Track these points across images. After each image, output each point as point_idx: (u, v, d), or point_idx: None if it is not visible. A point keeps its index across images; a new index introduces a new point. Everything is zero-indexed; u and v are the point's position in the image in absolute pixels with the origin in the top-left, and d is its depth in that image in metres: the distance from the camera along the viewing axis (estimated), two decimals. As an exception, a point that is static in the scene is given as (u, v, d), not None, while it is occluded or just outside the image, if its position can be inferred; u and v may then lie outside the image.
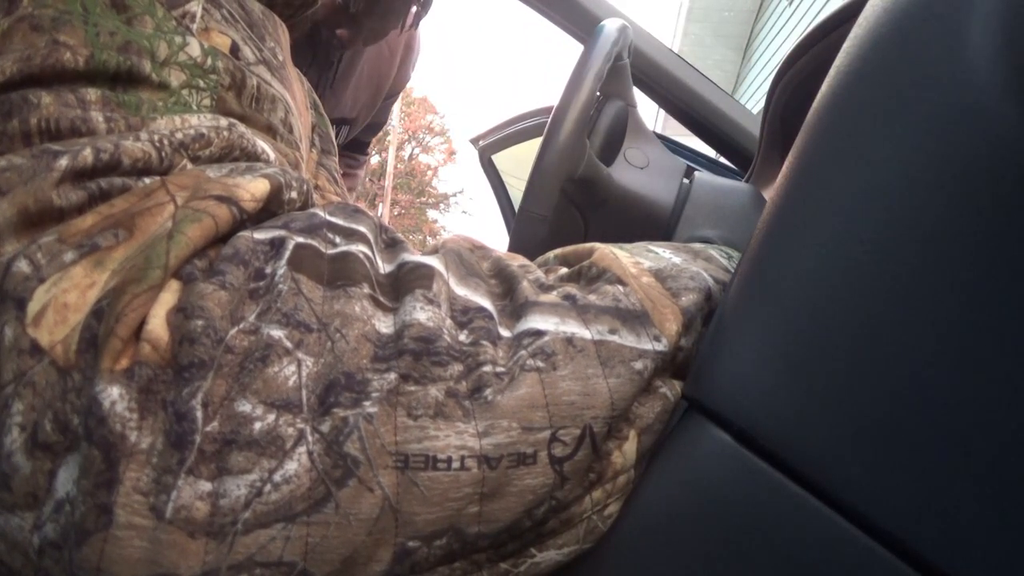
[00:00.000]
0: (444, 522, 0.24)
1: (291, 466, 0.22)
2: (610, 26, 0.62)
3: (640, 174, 0.68)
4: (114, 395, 0.22)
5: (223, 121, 0.30)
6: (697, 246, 0.38)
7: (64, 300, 0.23)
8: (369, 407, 0.24)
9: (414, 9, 0.69)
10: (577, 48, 0.69)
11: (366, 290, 0.27)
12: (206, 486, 0.22)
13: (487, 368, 0.26)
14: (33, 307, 0.23)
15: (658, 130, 1.50)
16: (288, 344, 0.24)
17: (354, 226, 0.30)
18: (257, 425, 0.22)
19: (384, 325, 0.26)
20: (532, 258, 0.37)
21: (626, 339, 0.28)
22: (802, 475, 0.25)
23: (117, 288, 0.23)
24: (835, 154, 0.27)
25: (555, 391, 0.26)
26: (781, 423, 0.25)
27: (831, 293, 0.25)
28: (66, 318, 0.23)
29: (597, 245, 0.34)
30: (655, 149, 0.71)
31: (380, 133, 1.24)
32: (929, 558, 0.23)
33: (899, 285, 0.24)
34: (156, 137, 0.27)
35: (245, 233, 0.26)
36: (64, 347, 0.23)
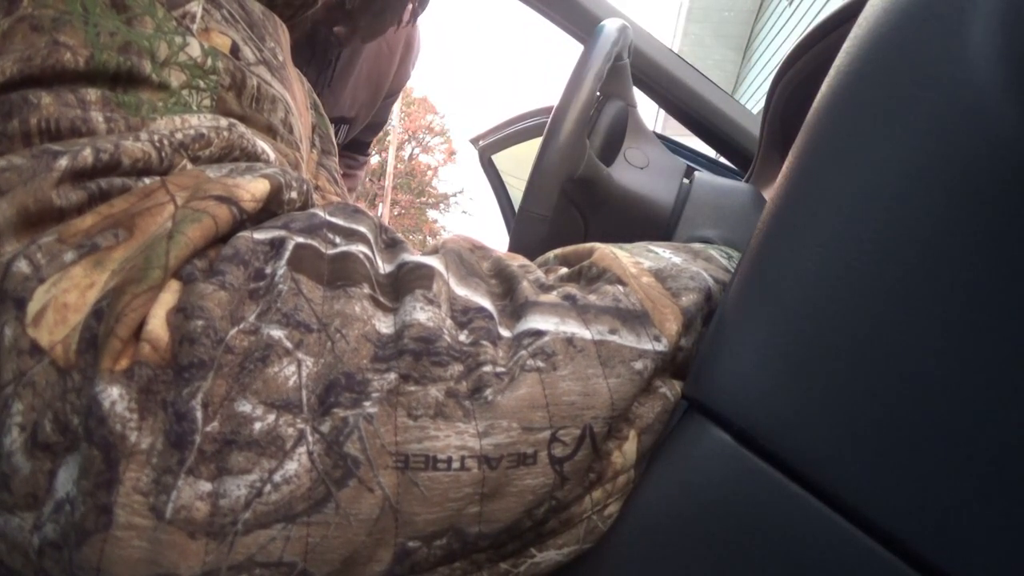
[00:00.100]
0: (444, 522, 0.24)
1: (291, 466, 0.22)
2: (610, 26, 0.62)
3: (640, 174, 0.68)
4: (114, 395, 0.22)
5: (223, 121, 0.30)
6: (697, 246, 0.38)
7: (64, 300, 0.23)
8: (369, 407, 0.23)
9: (411, 6, 0.68)
10: (577, 48, 0.69)
11: (366, 290, 0.27)
12: (206, 486, 0.22)
13: (487, 368, 0.26)
14: (33, 307, 0.23)
15: (658, 130, 1.50)
16: (288, 344, 0.24)
17: (354, 226, 0.30)
18: (257, 425, 0.22)
19: (384, 325, 0.26)
20: (532, 258, 0.37)
21: (626, 339, 0.28)
22: (802, 475, 0.25)
23: (117, 288, 0.23)
24: (835, 154, 0.27)
25: (555, 391, 0.26)
26: (781, 423, 0.25)
27: (831, 293, 0.25)
28: (66, 318, 0.23)
29: (597, 245, 0.34)
30: (655, 149, 0.71)
31: (380, 133, 1.24)
32: (929, 558, 0.23)
33: (899, 285, 0.24)
34: (156, 137, 0.27)
35: (245, 233, 0.26)
36: (64, 347, 0.23)
